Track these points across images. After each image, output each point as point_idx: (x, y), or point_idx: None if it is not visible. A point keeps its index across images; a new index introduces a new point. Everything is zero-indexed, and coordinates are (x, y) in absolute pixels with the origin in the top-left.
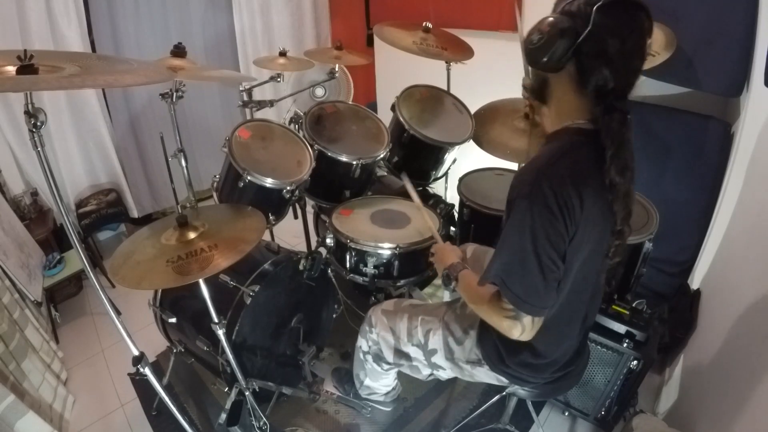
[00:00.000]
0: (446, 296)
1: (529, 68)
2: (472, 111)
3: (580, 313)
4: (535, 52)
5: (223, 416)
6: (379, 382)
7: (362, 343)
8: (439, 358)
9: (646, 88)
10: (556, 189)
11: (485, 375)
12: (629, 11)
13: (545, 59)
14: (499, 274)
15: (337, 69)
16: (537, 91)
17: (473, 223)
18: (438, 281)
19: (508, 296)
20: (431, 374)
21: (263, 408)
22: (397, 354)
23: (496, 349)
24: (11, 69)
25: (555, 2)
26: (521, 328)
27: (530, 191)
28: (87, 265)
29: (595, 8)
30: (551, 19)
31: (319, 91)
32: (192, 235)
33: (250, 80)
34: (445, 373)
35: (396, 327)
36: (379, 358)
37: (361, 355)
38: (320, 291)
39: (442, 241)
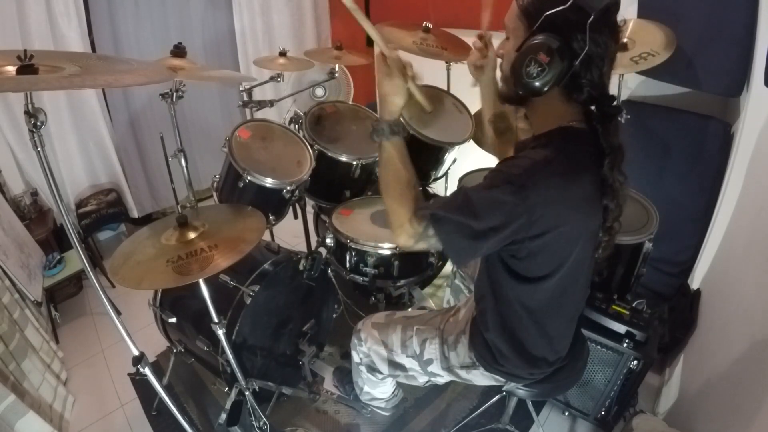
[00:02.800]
0: (447, 293)
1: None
2: (472, 111)
3: (569, 309)
4: (533, 82)
5: (223, 416)
6: (377, 390)
7: (354, 356)
8: (435, 368)
9: (646, 88)
10: (542, 191)
11: (481, 377)
12: (612, 16)
13: (543, 87)
14: (440, 215)
15: (337, 69)
16: (518, 100)
17: None
18: (438, 281)
19: (433, 234)
20: (428, 381)
21: (263, 408)
22: (391, 365)
23: (488, 349)
24: (11, 69)
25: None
26: (412, 243)
27: (518, 177)
28: (87, 265)
29: (589, 25)
30: (544, 43)
31: (319, 91)
32: (192, 235)
33: (250, 80)
34: (442, 379)
35: (388, 339)
36: (372, 369)
37: (356, 366)
38: (320, 291)
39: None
